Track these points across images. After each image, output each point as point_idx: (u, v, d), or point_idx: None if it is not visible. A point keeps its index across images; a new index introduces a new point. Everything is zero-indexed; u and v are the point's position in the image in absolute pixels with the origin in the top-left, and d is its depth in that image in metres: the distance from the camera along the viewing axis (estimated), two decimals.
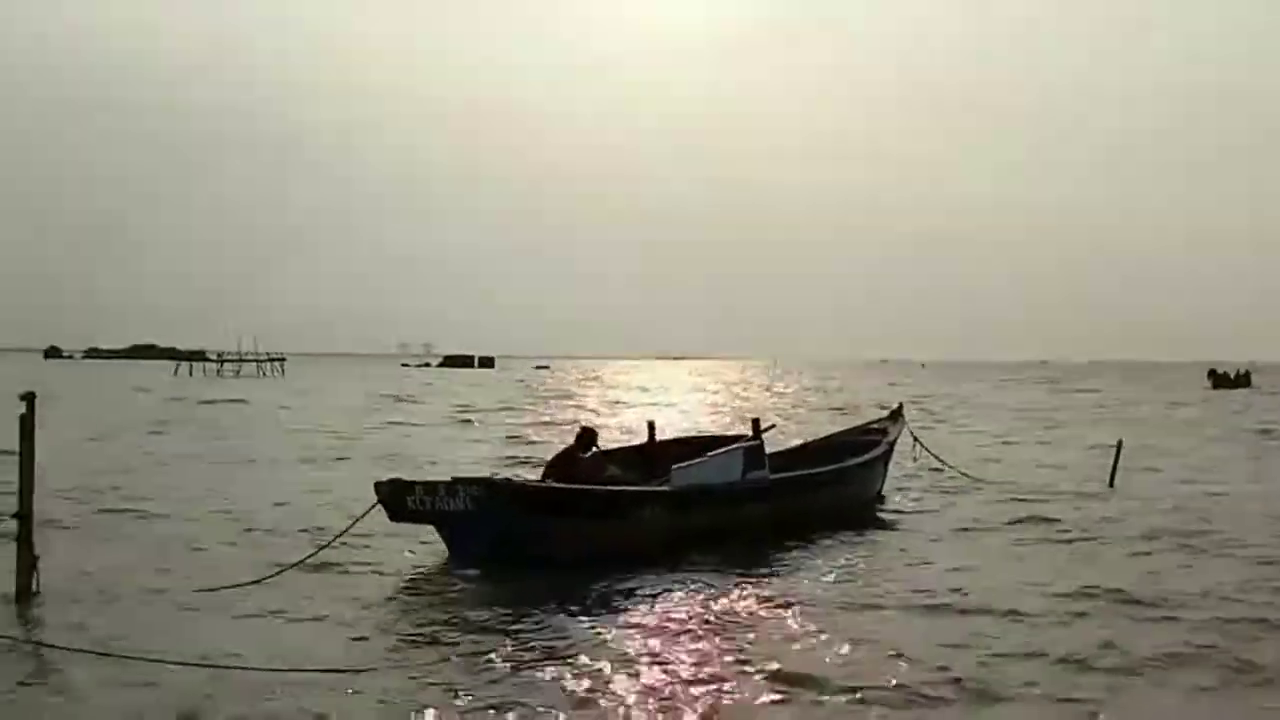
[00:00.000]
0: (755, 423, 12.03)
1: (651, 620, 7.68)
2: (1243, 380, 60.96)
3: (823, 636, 7.15)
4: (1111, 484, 15.20)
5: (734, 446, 11.36)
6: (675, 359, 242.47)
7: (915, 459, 16.14)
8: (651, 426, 14.12)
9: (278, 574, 8.76)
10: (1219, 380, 60.98)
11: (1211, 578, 9.01)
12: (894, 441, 14.30)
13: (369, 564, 9.57)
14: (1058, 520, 12.24)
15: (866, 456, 13.26)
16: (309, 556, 9.25)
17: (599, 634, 7.28)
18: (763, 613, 7.91)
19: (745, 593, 8.50)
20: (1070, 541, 10.99)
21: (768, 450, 11.78)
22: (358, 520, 9.70)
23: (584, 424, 13.13)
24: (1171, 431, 27.56)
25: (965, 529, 11.89)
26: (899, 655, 6.63)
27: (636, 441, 15.24)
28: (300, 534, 10.80)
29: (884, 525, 12.28)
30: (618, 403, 43.64)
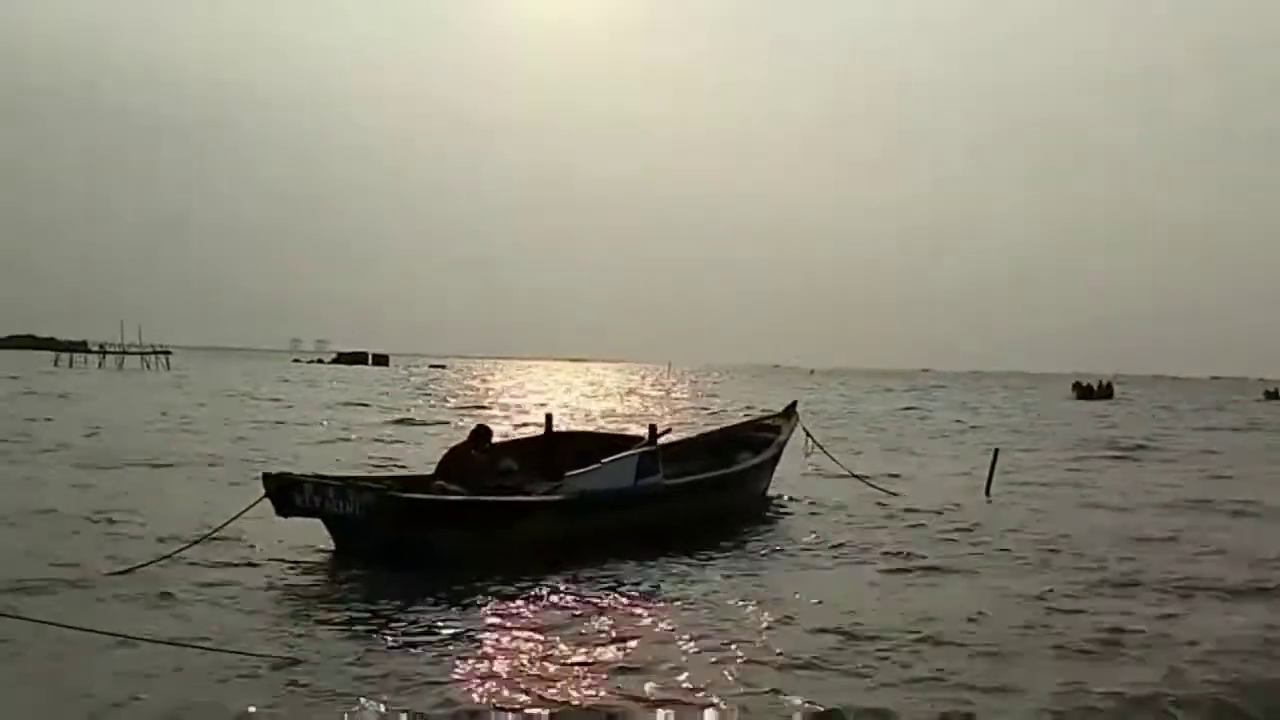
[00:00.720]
0: (652, 428, 12.14)
1: (528, 618, 7.73)
2: (1105, 392, 63.25)
3: (683, 635, 7.27)
4: (988, 493, 15.46)
5: (629, 453, 11.42)
6: (575, 361, 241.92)
7: (808, 454, 16.31)
8: (549, 420, 14.14)
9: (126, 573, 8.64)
10: (1083, 392, 63.20)
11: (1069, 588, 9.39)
12: (785, 440, 14.49)
13: (245, 558, 9.52)
14: (930, 527, 12.50)
15: (758, 458, 13.44)
16: (185, 548, 9.21)
17: (475, 631, 7.36)
18: (638, 613, 7.99)
19: (626, 595, 8.57)
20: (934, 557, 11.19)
21: (662, 444, 11.88)
22: (242, 513, 9.62)
23: (479, 423, 13.08)
24: (1042, 440, 28.46)
25: (844, 533, 11.99)
26: (761, 661, 6.74)
27: (534, 434, 15.28)
28: None
29: (768, 525, 12.47)
30: (482, 404, 42.84)
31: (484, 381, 75.25)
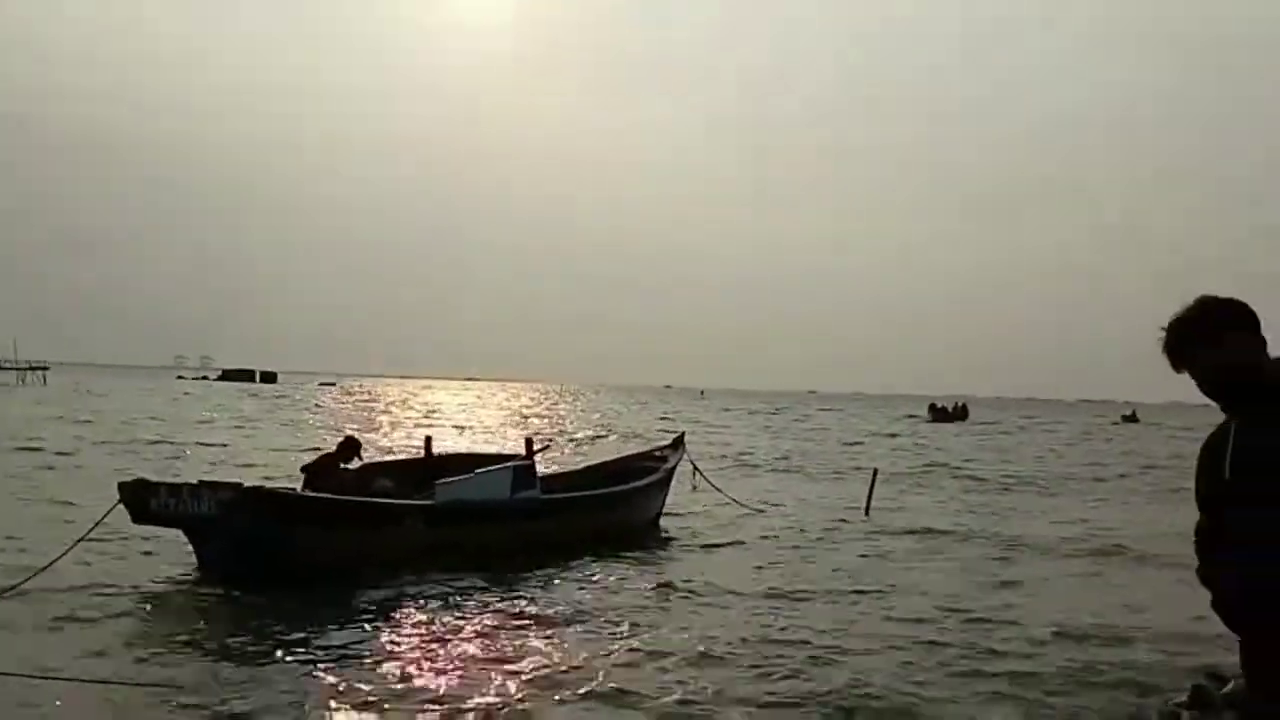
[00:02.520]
0: (528, 442, 11.77)
1: (390, 631, 7.36)
2: (959, 413, 64.30)
3: (550, 654, 6.89)
4: (867, 512, 15.50)
5: (504, 465, 11.06)
6: (472, 380, 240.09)
7: (695, 487, 16.14)
8: (428, 441, 13.66)
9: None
10: (938, 414, 63.98)
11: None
12: (673, 468, 14.22)
13: (106, 571, 8.92)
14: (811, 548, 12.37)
15: (642, 482, 13.12)
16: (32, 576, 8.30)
17: (340, 644, 6.98)
18: (505, 626, 7.59)
19: (493, 608, 8.16)
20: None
21: (557, 472, 11.44)
22: (99, 522, 8.97)
23: (348, 433, 12.49)
24: (909, 459, 28.75)
25: (730, 554, 11.80)
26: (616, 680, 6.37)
27: (413, 455, 14.81)
28: None
29: (650, 549, 12.06)
30: (357, 422, 41.64)
31: (361, 399, 73.78)
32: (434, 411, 56.59)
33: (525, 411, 61.57)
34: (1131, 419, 72.66)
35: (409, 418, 46.98)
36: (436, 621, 7.61)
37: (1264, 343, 2.81)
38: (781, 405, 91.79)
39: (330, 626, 7.38)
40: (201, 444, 25.23)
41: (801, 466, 25.10)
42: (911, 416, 64.98)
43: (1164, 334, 2.86)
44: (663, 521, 13.74)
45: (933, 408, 66.37)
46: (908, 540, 12.87)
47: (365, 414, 49.03)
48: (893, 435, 42.95)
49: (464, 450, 19.68)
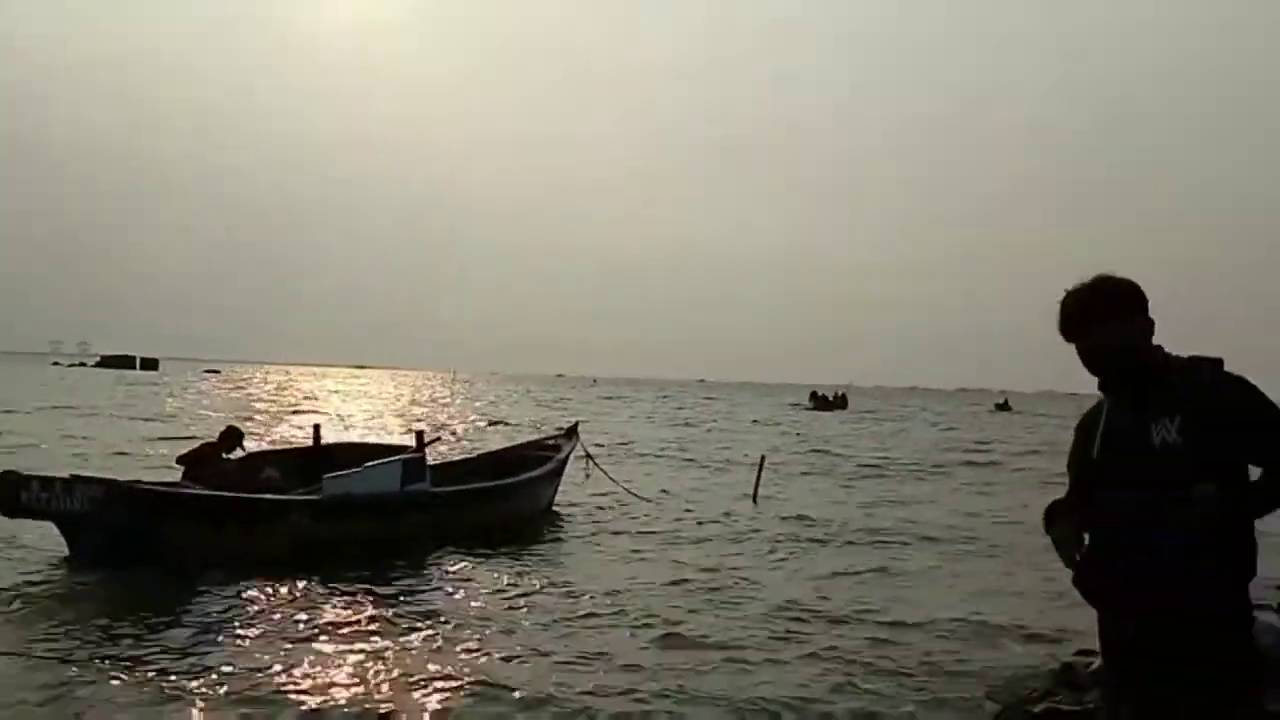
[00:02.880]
0: (419, 435, 11.58)
1: (260, 629, 7.15)
2: (840, 402, 65.23)
3: (424, 653, 6.80)
4: (755, 499, 15.82)
5: (393, 458, 10.85)
6: (360, 368, 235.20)
7: (588, 475, 16.12)
8: (317, 430, 13.33)
9: None
10: (819, 402, 64.78)
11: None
12: (566, 458, 14.15)
13: None
14: (704, 535, 12.55)
15: (535, 472, 13.01)
16: None
17: (217, 639, 6.84)
18: (381, 624, 7.42)
19: (373, 605, 8.00)
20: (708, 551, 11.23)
21: (448, 461, 11.21)
22: None
23: (230, 423, 12.12)
24: (791, 446, 29.23)
25: (621, 545, 11.79)
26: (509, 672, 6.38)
27: (300, 444, 14.45)
28: None
29: (545, 540, 12.03)
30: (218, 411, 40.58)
31: (241, 385, 71.66)
32: (309, 398, 55.38)
33: (415, 399, 60.61)
34: (1004, 407, 74.73)
35: (290, 403, 45.81)
36: (311, 620, 7.39)
37: (1152, 325, 2.89)
38: (671, 393, 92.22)
39: (198, 626, 7.12)
40: (67, 436, 24.16)
41: (689, 455, 25.31)
42: (795, 405, 65.70)
43: (1060, 306, 2.93)
44: (557, 509, 13.70)
45: (814, 396, 67.08)
46: (791, 527, 13.07)
47: (236, 401, 47.49)
48: (776, 424, 43.48)
49: (354, 440, 19.32)
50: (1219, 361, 2.85)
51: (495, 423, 36.30)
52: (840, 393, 68.65)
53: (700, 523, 13.52)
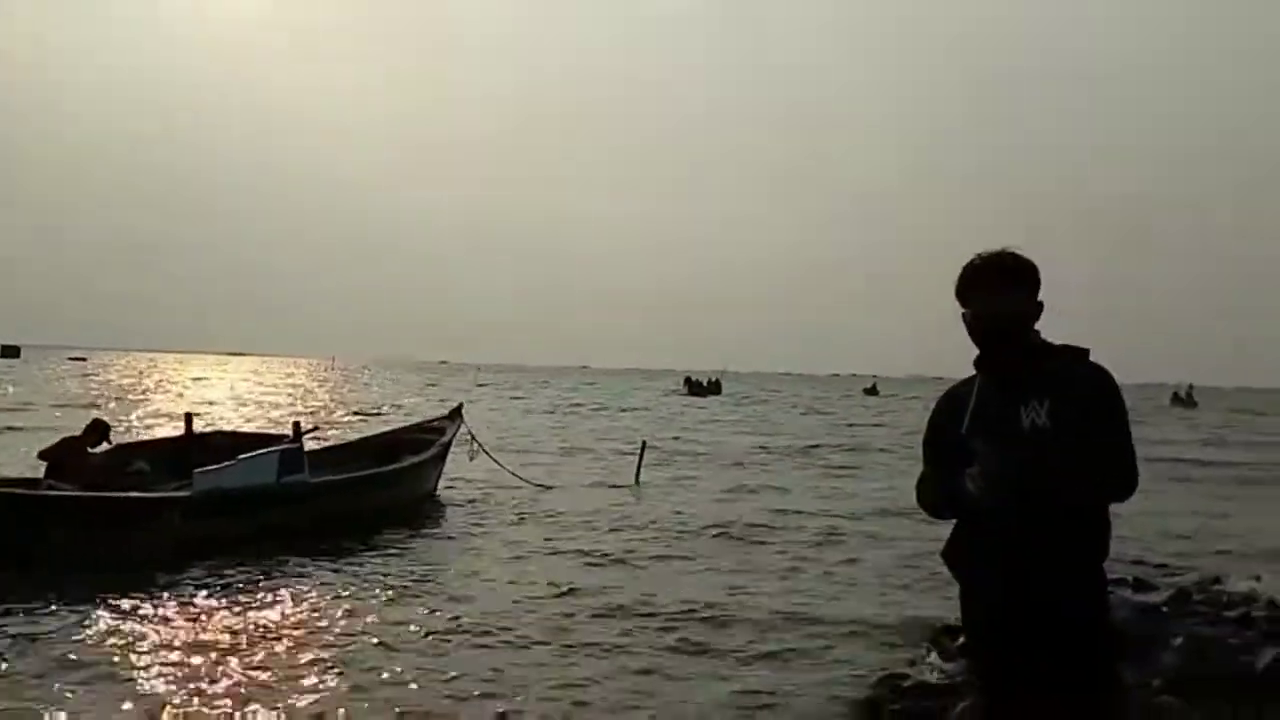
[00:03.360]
0: (296, 425, 11.27)
1: (122, 636, 6.78)
2: (714, 388, 65.21)
3: (329, 640, 6.71)
4: (637, 481, 16.07)
5: (269, 449, 10.53)
6: (234, 355, 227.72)
7: (472, 457, 15.93)
8: (189, 419, 12.85)
9: None
10: (694, 387, 64.66)
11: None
12: (449, 441, 13.91)
13: None
14: (585, 516, 12.56)
15: (417, 458, 12.78)
16: None
17: (92, 641, 6.56)
18: (269, 618, 7.24)
19: (259, 598, 7.79)
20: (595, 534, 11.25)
21: (325, 447, 10.90)
22: None
23: (96, 416, 11.60)
24: (669, 431, 29.47)
25: (505, 535, 11.58)
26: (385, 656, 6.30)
27: (170, 435, 13.94)
28: None
29: (427, 526, 11.83)
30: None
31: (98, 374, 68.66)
32: (162, 383, 53.13)
33: (292, 386, 58.93)
34: (872, 391, 76.49)
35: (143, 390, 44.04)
36: (174, 622, 7.08)
37: (1042, 307, 2.94)
38: (552, 380, 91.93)
39: (59, 632, 6.74)
40: None
41: (570, 439, 25.29)
42: (673, 391, 65.77)
43: (972, 267, 2.94)
44: (446, 491, 13.55)
45: (689, 382, 66.95)
46: (664, 510, 13.17)
47: (91, 390, 45.47)
48: (646, 409, 43.48)
49: (227, 429, 18.71)
50: (1086, 352, 2.93)
51: (378, 410, 35.61)
52: (714, 378, 68.79)
53: (574, 500, 13.57)
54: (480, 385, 64.58)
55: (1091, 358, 2.92)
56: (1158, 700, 5.02)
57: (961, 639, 6.39)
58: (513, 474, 15.32)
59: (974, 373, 3.02)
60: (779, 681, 6.14)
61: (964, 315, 2.96)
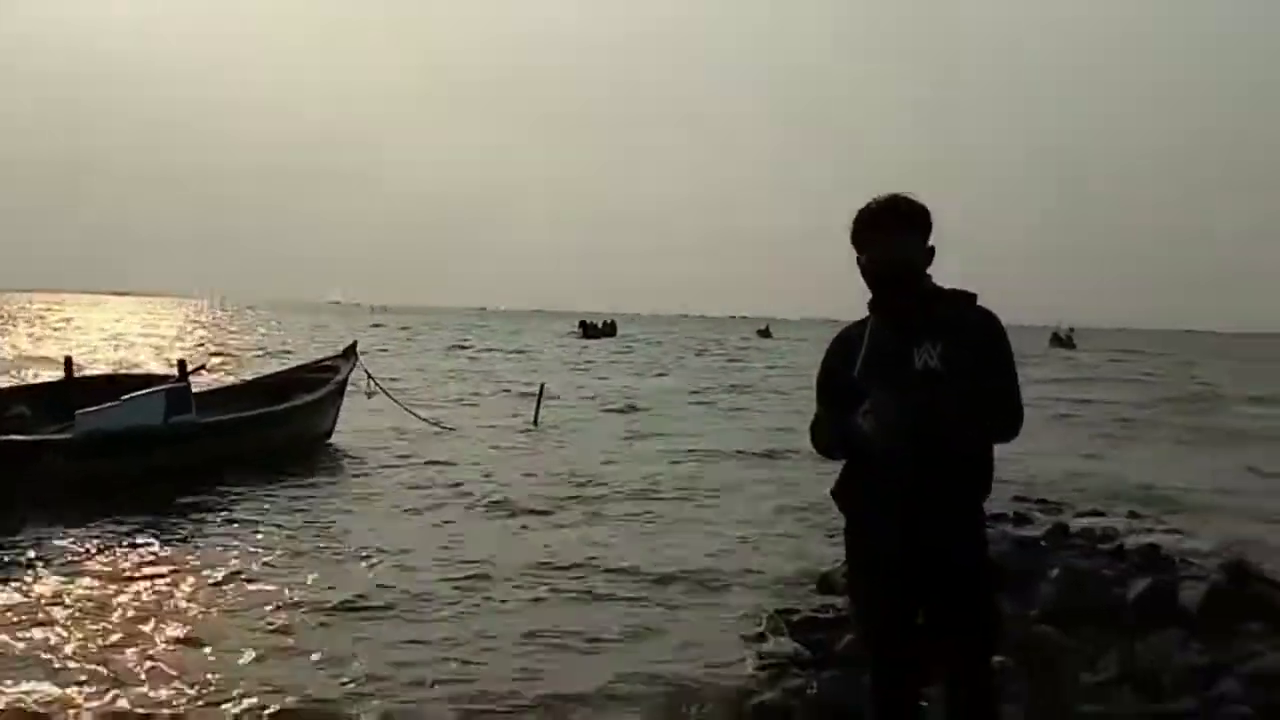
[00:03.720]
0: (181, 364, 10.91)
1: (32, 576, 6.59)
2: (608, 329, 63.74)
3: (222, 589, 6.51)
4: (535, 422, 16.09)
5: (154, 389, 10.20)
6: (118, 294, 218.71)
7: (369, 394, 15.55)
8: (69, 362, 12.36)
9: None
10: (588, 330, 63.40)
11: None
12: (345, 380, 13.58)
13: None
14: (486, 458, 12.47)
15: (310, 396, 12.48)
16: None
17: None
18: (134, 575, 6.87)
19: (147, 543, 7.55)
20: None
21: (213, 388, 10.61)
22: None
23: None
24: (562, 374, 29.48)
25: (403, 476, 11.38)
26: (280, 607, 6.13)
27: (51, 379, 13.39)
28: None
29: (324, 468, 11.61)
30: None
31: None
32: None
33: (175, 327, 56.87)
34: (765, 333, 77.16)
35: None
36: (53, 573, 6.73)
37: (934, 251, 2.96)
38: (451, 321, 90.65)
39: None
40: None
41: (466, 382, 25.08)
42: (568, 333, 64.66)
43: (867, 213, 2.94)
44: (339, 436, 13.26)
45: (583, 324, 65.74)
46: (563, 455, 13.17)
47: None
48: (540, 353, 42.71)
49: (110, 371, 18.05)
50: (975, 296, 2.97)
51: (266, 351, 34.72)
52: (609, 320, 67.33)
53: (473, 443, 13.50)
54: (375, 325, 63.25)
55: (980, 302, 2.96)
56: (1035, 630, 5.20)
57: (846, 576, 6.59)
58: (413, 414, 15.07)
59: (867, 315, 3.03)
60: (673, 622, 6.20)
61: (859, 260, 2.96)
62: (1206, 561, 7.18)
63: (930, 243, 2.96)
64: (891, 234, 2.90)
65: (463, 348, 44.01)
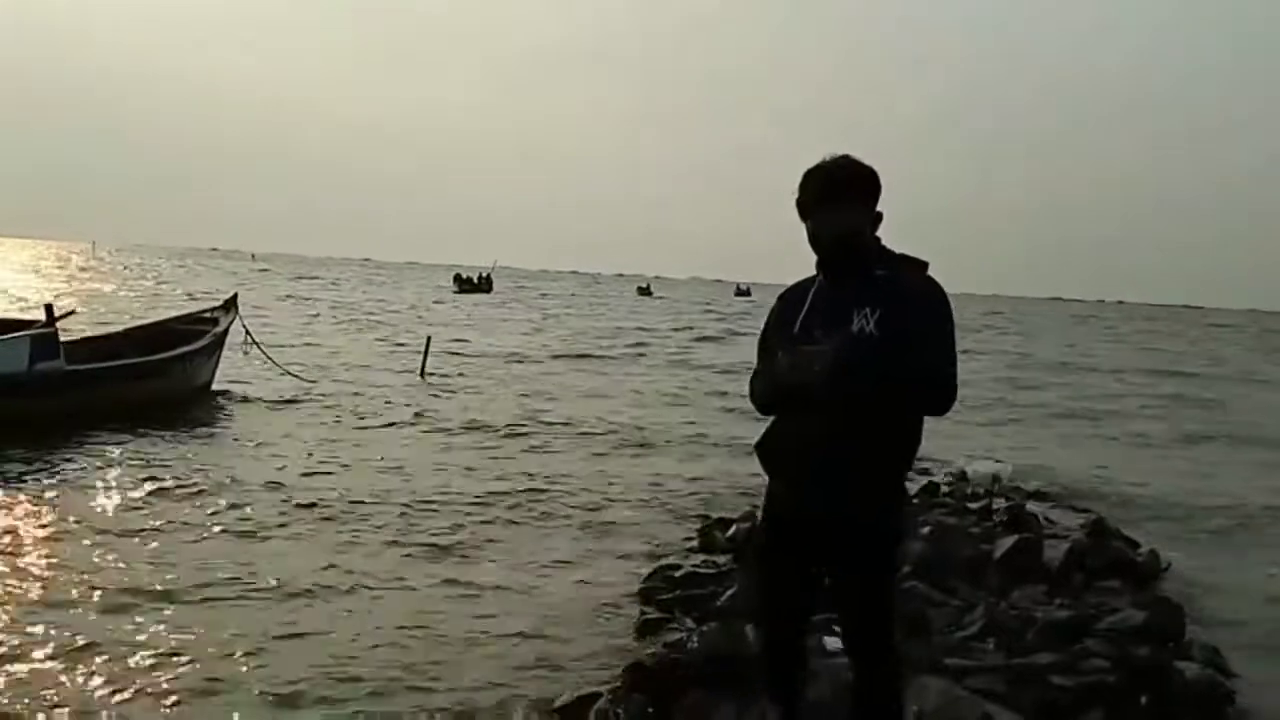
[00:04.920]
0: (48, 308, 10.30)
1: None
2: (484, 284, 61.11)
3: (84, 545, 6.18)
4: (423, 375, 16.04)
5: (17, 334, 9.61)
6: None
7: (246, 352, 15.11)
8: None
9: None
10: (463, 284, 60.71)
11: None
12: (224, 332, 13.08)
13: None
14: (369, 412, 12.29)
15: (188, 347, 12.00)
16: None
17: None
18: (25, 519, 6.65)
19: (12, 498, 7.14)
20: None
21: (85, 336, 10.05)
22: None
23: None
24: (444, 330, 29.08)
25: (292, 428, 11.06)
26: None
27: None
28: None
29: (201, 420, 11.14)
30: None
31: None
32: None
33: (44, 273, 54.11)
34: (646, 291, 77.02)
35: None
36: None
37: (881, 215, 2.92)
38: (331, 272, 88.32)
39: None
40: None
41: (347, 335, 24.51)
42: (441, 286, 62.54)
43: (816, 178, 2.89)
44: (219, 390, 12.79)
45: (458, 278, 62.56)
46: (451, 407, 13.03)
47: None
48: (413, 307, 41.61)
49: None
50: (925, 265, 2.94)
51: (138, 298, 33.31)
52: (485, 274, 63.59)
53: (359, 395, 13.35)
54: (261, 269, 60.88)
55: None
56: (905, 586, 5.31)
57: (733, 528, 6.65)
58: (291, 374, 14.63)
59: (815, 274, 3.00)
60: (546, 578, 6.15)
61: (806, 226, 2.93)
62: (1068, 521, 7.49)
63: (878, 206, 2.92)
64: (838, 206, 2.86)
65: (339, 300, 42.53)
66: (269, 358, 14.73)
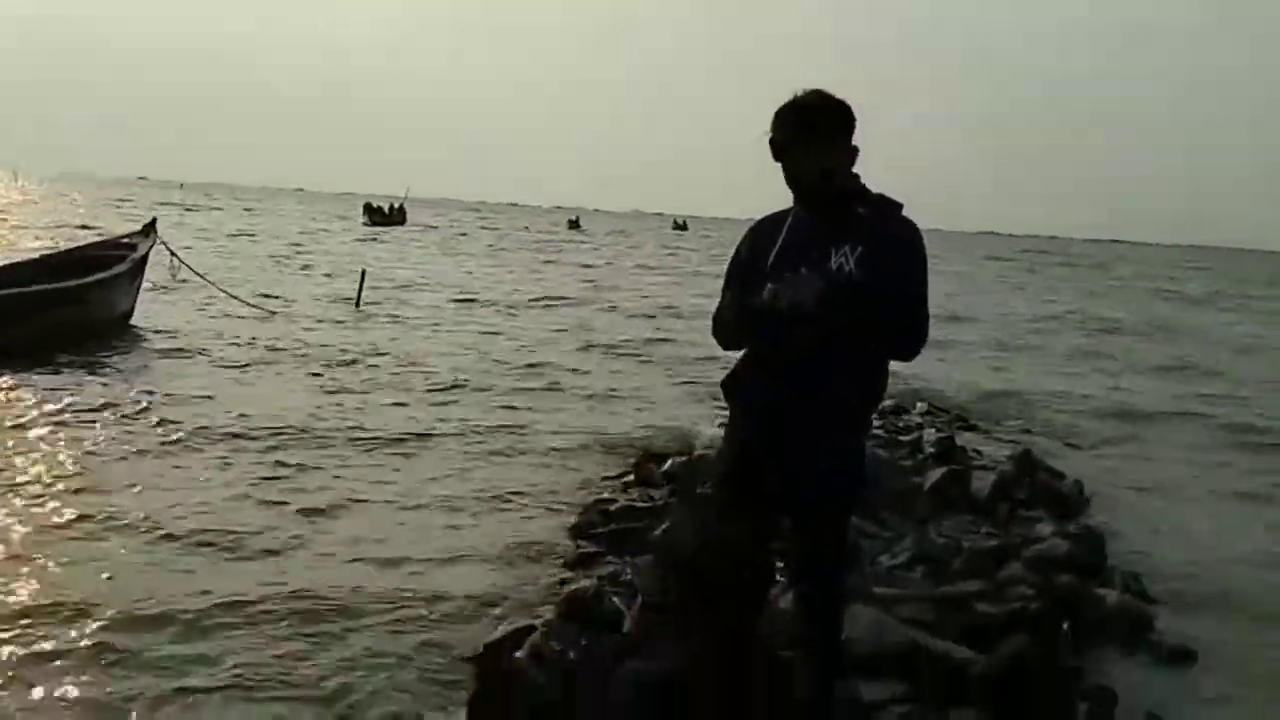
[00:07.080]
0: None
1: None
2: (397, 216, 56.85)
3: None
4: (358, 305, 16.17)
5: None
6: None
7: (174, 275, 14.62)
8: None
9: None
10: (375, 215, 56.13)
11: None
12: (144, 257, 12.57)
13: None
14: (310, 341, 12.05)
15: (105, 274, 11.52)
16: None
17: None
18: None
19: None
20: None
21: None
22: None
23: None
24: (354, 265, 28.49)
25: (211, 347, 10.93)
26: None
27: None
28: None
29: (122, 349, 10.78)
30: None
31: None
32: None
33: None
34: (575, 224, 74.80)
35: None
36: None
37: (857, 151, 2.83)
38: (262, 201, 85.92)
39: None
40: None
41: (266, 266, 23.62)
42: (344, 218, 58.68)
43: (774, 123, 2.79)
44: (138, 320, 12.32)
45: (369, 208, 57.34)
46: (384, 341, 12.77)
47: None
48: (326, 234, 40.63)
49: None
50: (900, 205, 2.86)
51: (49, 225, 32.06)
52: (397, 204, 58.23)
53: (297, 323, 13.19)
54: (187, 210, 58.10)
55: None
56: None
57: (669, 463, 6.63)
58: (228, 293, 14.25)
59: (790, 206, 2.89)
60: (485, 514, 6.05)
61: (783, 165, 2.82)
62: (996, 453, 7.59)
63: (854, 142, 2.82)
64: (812, 145, 2.76)
65: (247, 232, 40.52)
66: (203, 278, 14.26)
